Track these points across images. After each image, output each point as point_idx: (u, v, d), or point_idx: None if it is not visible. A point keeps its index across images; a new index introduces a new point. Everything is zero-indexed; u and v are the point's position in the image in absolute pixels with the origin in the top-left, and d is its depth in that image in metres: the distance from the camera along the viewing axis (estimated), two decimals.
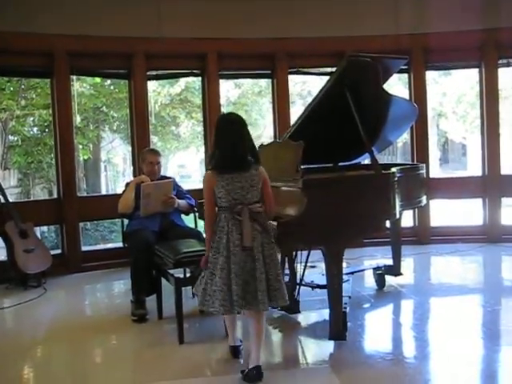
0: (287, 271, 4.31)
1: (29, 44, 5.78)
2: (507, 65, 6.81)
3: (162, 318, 4.30)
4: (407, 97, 6.79)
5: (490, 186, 6.76)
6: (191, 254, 3.92)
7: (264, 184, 3.19)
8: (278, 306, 3.37)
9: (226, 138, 3.12)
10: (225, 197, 3.11)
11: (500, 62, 6.71)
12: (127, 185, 4.75)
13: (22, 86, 10.15)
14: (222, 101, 7.35)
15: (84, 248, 6.57)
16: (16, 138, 10.86)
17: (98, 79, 10.49)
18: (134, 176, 6.19)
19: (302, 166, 3.84)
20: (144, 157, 4.82)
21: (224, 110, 9.96)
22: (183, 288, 3.93)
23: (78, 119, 10.27)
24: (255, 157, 3.19)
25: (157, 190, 4.51)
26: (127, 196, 4.59)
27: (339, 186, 3.66)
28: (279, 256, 3.49)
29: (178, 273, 4.12)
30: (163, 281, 4.21)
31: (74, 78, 7.27)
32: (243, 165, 3.12)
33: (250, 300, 3.10)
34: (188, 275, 4.46)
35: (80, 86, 10.67)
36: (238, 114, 3.31)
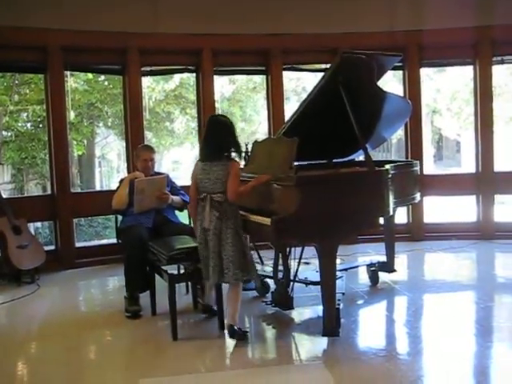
0: (281, 267, 4.31)
1: (22, 39, 5.75)
2: (501, 62, 6.84)
3: (156, 314, 4.30)
4: (401, 94, 6.80)
5: (483, 183, 6.79)
6: (185, 251, 3.93)
7: (230, 177, 3.63)
8: (227, 282, 3.73)
9: (205, 134, 3.78)
10: (199, 185, 3.75)
11: (494, 59, 6.73)
12: (121, 181, 4.75)
13: (16, 82, 10.10)
14: (217, 97, 7.35)
15: (78, 244, 6.57)
16: (10, 134, 10.80)
17: (91, 75, 10.44)
18: (129, 172, 6.19)
19: (296, 163, 3.84)
20: (138, 153, 4.82)
21: (218, 106, 9.97)
22: (177, 284, 3.93)
23: (72, 115, 10.23)
24: (239, 153, 3.75)
25: (150, 185, 4.51)
26: (121, 192, 4.59)
27: (333, 182, 3.66)
28: (247, 243, 3.84)
29: (172, 269, 4.11)
30: (157, 277, 4.21)
31: (68, 73, 7.24)
32: (213, 158, 3.69)
33: (216, 273, 3.66)
34: (182, 272, 4.47)
35: (74, 81, 10.62)
36: (226, 116, 3.89)
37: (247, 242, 3.91)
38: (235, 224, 3.68)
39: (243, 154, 3.97)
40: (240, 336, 3.71)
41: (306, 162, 4.72)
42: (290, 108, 6.39)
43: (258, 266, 5.61)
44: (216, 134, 3.72)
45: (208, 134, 3.75)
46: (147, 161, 4.74)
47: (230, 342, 3.71)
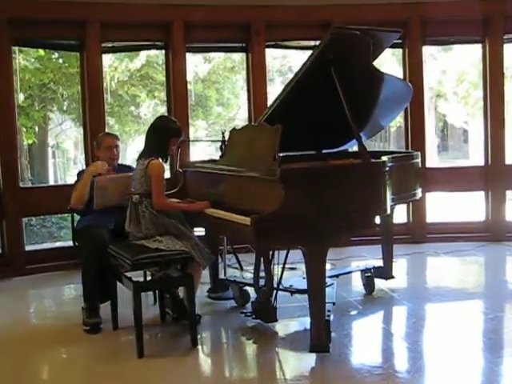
0: (263, 274, 4.33)
1: None
2: None
3: (118, 327, 4.28)
4: (401, 75, 6.84)
5: (493, 177, 6.85)
6: (151, 255, 3.92)
7: (152, 181, 4.04)
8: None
9: None
10: None
11: (506, 37, 6.78)
12: (80, 174, 4.72)
13: None
14: (190, 77, 7.35)
15: (28, 247, 6.52)
16: None
17: (43, 51, 10.35)
18: (87, 164, 6.15)
19: (281, 154, 3.85)
20: (99, 141, 4.80)
21: (191, 88, 9.94)
22: (143, 293, 3.93)
23: (20, 97, 10.14)
24: (161, 154, 4.16)
25: (113, 183, 4.50)
26: (81, 189, 4.56)
27: (322, 176, 3.67)
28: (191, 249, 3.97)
29: (137, 276, 4.11)
30: (119, 285, 4.20)
31: (17, 49, 7.17)
32: (139, 156, 4.19)
33: None
34: (148, 279, 4.46)
35: (23, 58, 10.53)
36: (167, 117, 4.69)
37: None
38: (153, 232, 4.04)
39: (167, 159, 4.34)
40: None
41: (291, 153, 4.73)
42: (274, 91, 6.40)
43: (236, 272, 5.65)
44: (148, 134, 4.24)
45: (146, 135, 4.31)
46: (111, 147, 4.74)
47: (204, 360, 3.71)
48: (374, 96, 4.55)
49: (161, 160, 4.15)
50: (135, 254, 3.92)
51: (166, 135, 4.20)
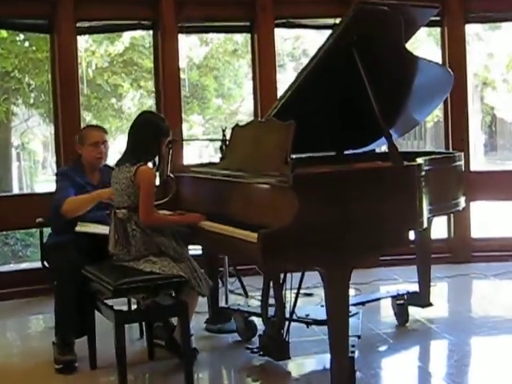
0: (273, 301, 4.33)
1: None
2: None
3: (97, 366, 4.28)
4: (440, 60, 6.85)
5: None
6: (138, 279, 3.92)
7: (140, 192, 3.96)
8: None
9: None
10: None
11: None
12: (63, 176, 4.73)
13: None
14: (183, 63, 7.38)
15: None
16: None
17: (6, 33, 10.41)
18: (58, 166, 6.16)
19: (294, 156, 3.86)
20: (84, 136, 4.78)
21: (185, 76, 9.97)
22: (127, 325, 3.93)
23: None
24: (150, 157, 4.14)
25: None
26: (84, 205, 4.54)
27: (344, 183, 3.67)
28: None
29: (120, 304, 4.11)
30: (98, 315, 4.20)
31: None
32: (122, 161, 4.09)
33: None
34: (134, 308, 4.46)
35: None
36: (153, 112, 4.76)
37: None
38: (145, 254, 3.99)
39: (157, 163, 4.28)
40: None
41: (306, 155, 4.74)
42: (285, 79, 6.41)
43: (241, 300, 5.65)
44: (132, 133, 4.19)
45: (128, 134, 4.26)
46: (98, 143, 4.74)
47: None
48: (406, 85, 4.56)
49: (151, 165, 4.14)
50: (118, 278, 3.91)
51: (157, 134, 4.18)
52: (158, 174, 4.46)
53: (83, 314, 4.29)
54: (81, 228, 4.53)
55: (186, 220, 4.17)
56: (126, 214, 4.00)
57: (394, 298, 5.08)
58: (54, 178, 4.97)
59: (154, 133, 4.16)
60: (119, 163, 4.12)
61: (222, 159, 4.64)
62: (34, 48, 11.17)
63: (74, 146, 4.91)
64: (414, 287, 5.17)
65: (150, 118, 4.31)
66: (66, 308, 4.28)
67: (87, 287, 4.22)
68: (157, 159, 4.22)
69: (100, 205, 4.54)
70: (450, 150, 6.50)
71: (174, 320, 4.21)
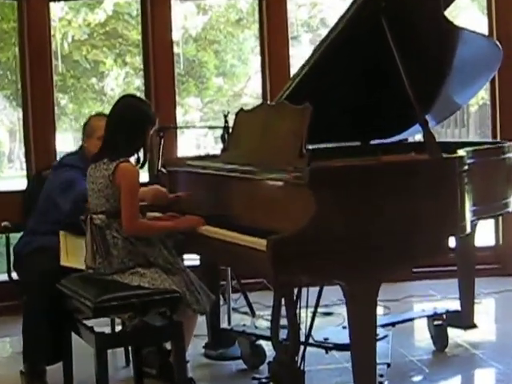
0: (284, 321, 4.35)
1: None
2: None
3: None
4: (485, 31, 6.85)
5: None
6: (123, 295, 3.93)
7: (121, 190, 3.91)
8: None
9: None
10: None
11: None
12: (72, 168, 4.75)
13: None
14: (177, 35, 7.40)
15: None
16: None
17: None
18: (28, 159, 6.20)
19: (310, 146, 3.88)
20: (92, 127, 4.81)
21: (180, 51, 10.01)
22: (110, 351, 3.95)
23: None
24: (133, 151, 4.10)
25: None
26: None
27: (371, 179, 3.68)
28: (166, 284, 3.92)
29: (102, 325, 4.13)
30: (76, 338, 4.22)
31: None
32: (99, 157, 4.04)
33: None
34: (118, 329, 4.48)
35: None
36: (136, 97, 4.48)
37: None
38: (130, 265, 3.94)
39: (141, 159, 4.22)
40: None
41: (325, 146, 4.77)
42: (300, 54, 6.42)
43: (247, 319, 5.68)
44: (110, 122, 4.16)
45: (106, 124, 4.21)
46: None
47: None
48: (445, 61, 4.57)
49: (133, 162, 4.10)
50: (99, 293, 3.91)
51: (141, 123, 4.14)
52: (144, 170, 4.44)
53: (57, 335, 4.30)
54: (67, 262, 4.49)
55: (182, 225, 4.12)
56: (104, 219, 3.95)
57: (431, 317, 5.09)
58: (51, 170, 4.97)
59: (137, 121, 4.12)
60: (96, 159, 4.07)
61: (223, 151, 4.66)
62: None
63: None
64: (455, 305, 5.19)
65: (131, 104, 4.22)
66: (35, 329, 4.30)
67: (65, 303, 4.23)
68: (141, 153, 4.17)
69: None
70: (499, 140, 6.50)
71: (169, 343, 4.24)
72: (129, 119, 4.09)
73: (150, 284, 3.87)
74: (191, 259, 4.73)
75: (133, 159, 4.10)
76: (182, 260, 4.25)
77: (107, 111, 4.18)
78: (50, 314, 4.28)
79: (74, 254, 4.48)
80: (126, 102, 4.24)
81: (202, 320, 4.55)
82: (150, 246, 3.99)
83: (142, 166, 4.22)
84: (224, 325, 5.16)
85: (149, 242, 4.00)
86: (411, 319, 5.28)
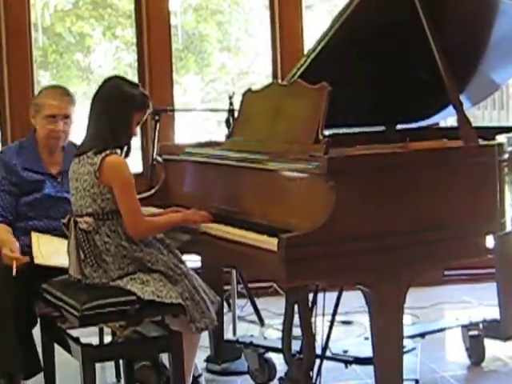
0: (298, 330, 4.34)
1: None
2: None
3: None
4: None
5: None
6: (114, 301, 3.93)
7: (114, 189, 3.87)
8: None
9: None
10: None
11: None
12: None
13: None
14: (174, 4, 7.38)
15: None
16: None
17: None
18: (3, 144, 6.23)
19: (327, 132, 3.87)
20: (39, 104, 4.71)
21: (178, 22, 10.01)
22: (98, 364, 3.93)
23: None
24: (120, 142, 4.02)
25: None
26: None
27: (397, 169, 3.68)
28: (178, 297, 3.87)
29: (89, 335, 4.14)
30: (59, 350, 4.22)
31: None
32: (83, 150, 3.98)
33: None
34: (108, 340, 4.49)
35: None
36: (124, 78, 4.24)
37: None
38: (128, 270, 3.91)
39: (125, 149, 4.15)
40: None
41: (345, 131, 4.75)
42: (315, 26, 6.41)
43: (255, 329, 5.68)
44: (94, 109, 4.09)
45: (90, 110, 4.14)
46: (57, 117, 4.65)
47: None
48: (482, 34, 4.56)
49: (120, 153, 4.01)
50: (87, 300, 3.91)
51: (128, 109, 4.07)
52: (137, 159, 4.40)
53: (34, 346, 4.30)
54: (41, 260, 4.41)
55: (188, 219, 4.05)
56: (91, 223, 3.89)
57: (466, 327, 5.10)
58: None
59: (127, 106, 4.06)
60: (80, 151, 4.02)
61: (228, 137, 4.66)
62: None
63: (28, 114, 4.81)
64: (493, 313, 5.19)
65: (117, 86, 4.13)
66: (8, 338, 4.25)
67: (45, 310, 4.22)
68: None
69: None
70: None
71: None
72: (113, 104, 4.03)
73: (154, 296, 3.80)
74: (191, 260, 4.71)
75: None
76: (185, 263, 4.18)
77: (93, 91, 4.13)
78: (27, 321, 4.29)
79: (48, 251, 4.47)
80: (110, 85, 4.15)
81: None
82: (146, 249, 3.94)
83: (127, 155, 4.12)
84: (228, 335, 5.18)
85: (145, 244, 3.95)
86: (443, 329, 5.28)
